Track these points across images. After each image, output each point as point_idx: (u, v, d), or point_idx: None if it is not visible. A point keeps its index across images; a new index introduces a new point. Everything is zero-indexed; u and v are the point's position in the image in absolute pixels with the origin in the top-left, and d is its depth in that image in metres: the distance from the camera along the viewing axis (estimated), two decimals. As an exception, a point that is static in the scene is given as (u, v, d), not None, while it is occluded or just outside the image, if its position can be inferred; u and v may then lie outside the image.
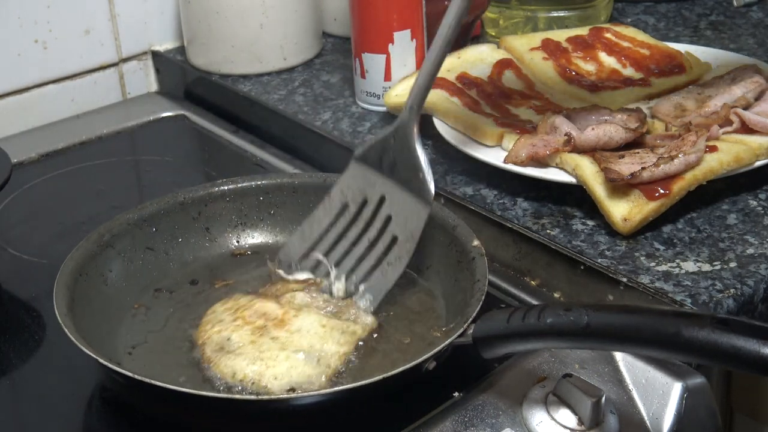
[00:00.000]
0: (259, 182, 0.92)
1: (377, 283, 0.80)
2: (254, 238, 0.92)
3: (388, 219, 0.81)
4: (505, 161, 0.92)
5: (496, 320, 0.70)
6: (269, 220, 0.92)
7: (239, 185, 0.92)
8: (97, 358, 0.70)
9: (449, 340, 0.72)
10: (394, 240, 0.80)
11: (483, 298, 0.75)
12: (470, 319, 0.72)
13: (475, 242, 0.81)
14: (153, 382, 0.69)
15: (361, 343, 0.78)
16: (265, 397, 0.71)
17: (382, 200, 0.81)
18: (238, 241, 0.91)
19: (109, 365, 0.70)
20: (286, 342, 0.76)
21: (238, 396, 0.72)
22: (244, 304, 0.80)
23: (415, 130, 0.80)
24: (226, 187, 0.91)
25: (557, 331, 0.65)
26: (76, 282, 0.79)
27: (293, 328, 0.77)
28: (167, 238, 0.88)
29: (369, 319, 0.80)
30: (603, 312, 0.64)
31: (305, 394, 0.70)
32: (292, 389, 0.73)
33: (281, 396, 0.71)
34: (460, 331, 0.72)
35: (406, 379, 0.70)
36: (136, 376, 0.69)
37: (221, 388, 0.74)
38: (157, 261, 0.87)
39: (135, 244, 0.86)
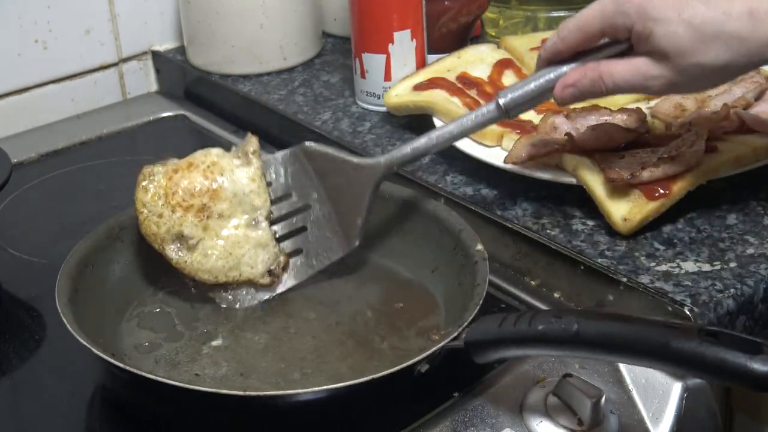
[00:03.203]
0: None
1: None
2: None
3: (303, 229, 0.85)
4: (505, 161, 0.92)
5: (488, 325, 0.69)
6: None
7: None
8: (99, 352, 0.70)
9: (441, 344, 0.71)
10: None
11: (481, 302, 0.74)
12: (466, 323, 0.72)
13: (479, 246, 0.81)
14: (150, 376, 0.69)
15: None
16: (261, 393, 0.70)
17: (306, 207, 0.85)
18: None
19: (111, 360, 0.70)
20: (232, 212, 0.81)
21: (228, 391, 0.69)
22: (166, 184, 0.82)
23: (376, 182, 0.83)
24: None
25: (547, 337, 0.65)
26: (81, 274, 0.79)
27: (229, 194, 0.81)
28: None
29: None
30: (593, 320, 0.64)
31: (291, 392, 0.70)
32: (269, 272, 0.81)
33: (273, 393, 0.70)
34: (455, 334, 0.71)
35: (397, 381, 0.70)
36: (133, 370, 0.70)
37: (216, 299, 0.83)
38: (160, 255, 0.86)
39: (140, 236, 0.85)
